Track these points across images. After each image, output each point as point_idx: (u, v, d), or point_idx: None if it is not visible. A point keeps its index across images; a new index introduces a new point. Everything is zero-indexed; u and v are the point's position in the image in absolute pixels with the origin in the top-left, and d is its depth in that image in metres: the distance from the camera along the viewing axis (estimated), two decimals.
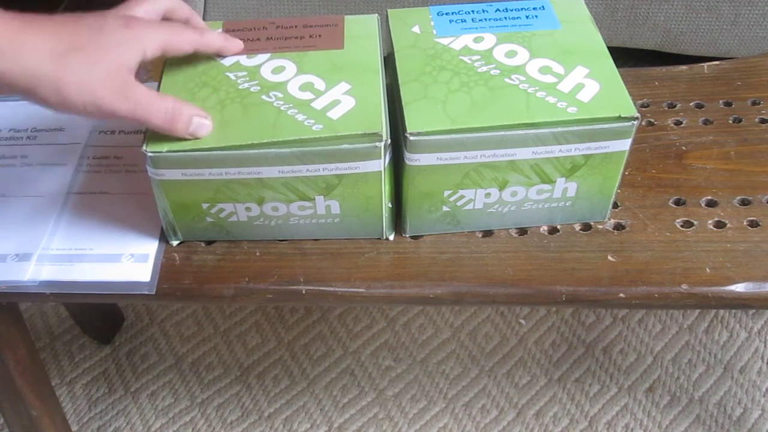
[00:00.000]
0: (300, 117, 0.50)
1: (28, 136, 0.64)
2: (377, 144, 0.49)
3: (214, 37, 0.53)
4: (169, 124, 0.48)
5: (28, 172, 0.61)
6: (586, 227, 0.57)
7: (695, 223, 0.57)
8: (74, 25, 0.46)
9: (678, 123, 0.65)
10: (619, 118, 0.49)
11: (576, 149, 0.51)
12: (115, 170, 0.61)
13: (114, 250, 0.55)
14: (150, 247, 0.55)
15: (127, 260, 0.54)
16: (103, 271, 0.54)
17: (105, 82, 0.45)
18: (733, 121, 0.65)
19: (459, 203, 0.54)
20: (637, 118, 0.50)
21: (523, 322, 0.97)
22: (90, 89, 0.45)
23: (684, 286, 0.53)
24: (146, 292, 0.53)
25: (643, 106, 0.67)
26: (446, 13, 0.59)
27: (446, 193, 0.53)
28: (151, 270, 0.54)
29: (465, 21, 0.58)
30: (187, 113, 0.48)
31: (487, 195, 0.53)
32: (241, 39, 0.56)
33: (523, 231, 0.57)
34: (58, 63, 0.44)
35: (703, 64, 0.71)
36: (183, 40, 0.51)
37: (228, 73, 0.53)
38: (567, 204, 0.55)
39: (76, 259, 0.55)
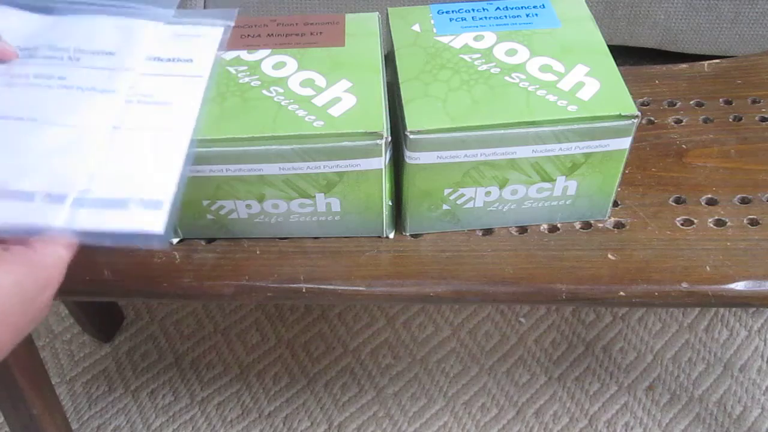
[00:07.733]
0: (301, 113, 0.50)
1: (70, 57, 0.52)
2: (378, 141, 0.49)
3: None
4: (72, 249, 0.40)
5: (66, 96, 0.49)
6: (587, 225, 0.57)
7: (695, 221, 0.57)
8: None
9: (678, 121, 0.65)
10: (620, 117, 0.49)
11: (576, 147, 0.51)
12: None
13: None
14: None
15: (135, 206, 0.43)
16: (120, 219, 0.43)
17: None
18: (734, 120, 0.65)
19: (459, 201, 0.54)
20: (637, 117, 0.50)
21: (522, 320, 0.97)
22: None
23: (684, 285, 0.53)
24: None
25: (643, 104, 0.67)
26: (446, 12, 0.59)
27: (446, 191, 0.53)
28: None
29: (465, 19, 0.58)
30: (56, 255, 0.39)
31: (488, 193, 0.53)
32: (241, 36, 0.56)
33: (523, 229, 0.57)
34: None
35: (703, 62, 0.71)
36: None
37: (228, 68, 0.53)
38: (567, 202, 0.55)
39: (112, 205, 0.43)
